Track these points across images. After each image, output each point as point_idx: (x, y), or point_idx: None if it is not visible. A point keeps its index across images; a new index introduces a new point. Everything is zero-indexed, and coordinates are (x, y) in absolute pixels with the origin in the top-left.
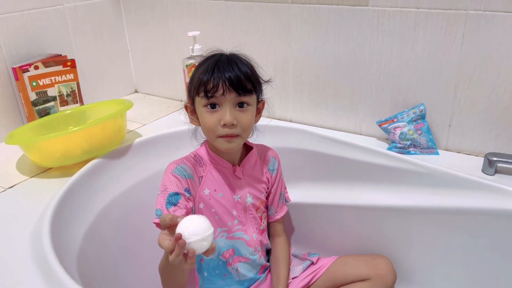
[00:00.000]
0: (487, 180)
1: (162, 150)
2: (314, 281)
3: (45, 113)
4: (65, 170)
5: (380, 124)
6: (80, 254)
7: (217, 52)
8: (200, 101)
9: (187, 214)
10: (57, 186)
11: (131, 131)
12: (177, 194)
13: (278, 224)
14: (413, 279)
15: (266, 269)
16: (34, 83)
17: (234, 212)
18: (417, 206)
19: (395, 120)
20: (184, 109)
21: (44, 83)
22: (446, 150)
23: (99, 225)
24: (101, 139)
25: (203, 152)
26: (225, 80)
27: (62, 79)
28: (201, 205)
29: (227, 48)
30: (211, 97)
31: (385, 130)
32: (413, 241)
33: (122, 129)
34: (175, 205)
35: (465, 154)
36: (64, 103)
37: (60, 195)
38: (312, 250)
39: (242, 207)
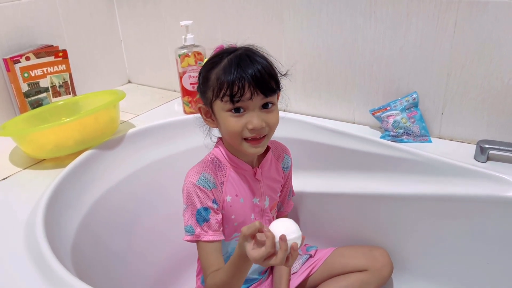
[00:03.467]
0: (479, 167)
1: (156, 141)
2: (312, 273)
3: (37, 104)
4: (58, 161)
5: (373, 112)
6: (74, 245)
7: (230, 47)
8: (222, 105)
9: (219, 228)
10: (50, 178)
11: (124, 121)
12: (206, 208)
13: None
14: (408, 268)
15: (269, 268)
16: (25, 74)
17: (252, 216)
18: (410, 193)
19: (388, 108)
20: (197, 111)
21: (36, 74)
22: (439, 137)
23: (93, 216)
24: (94, 130)
25: (220, 154)
26: (251, 81)
27: (54, 70)
28: (222, 212)
29: (221, 37)
30: (237, 101)
31: (378, 119)
32: (407, 228)
33: (115, 119)
34: (207, 221)
35: (458, 141)
36: (56, 94)
37: (53, 187)
38: (309, 241)
39: (260, 210)
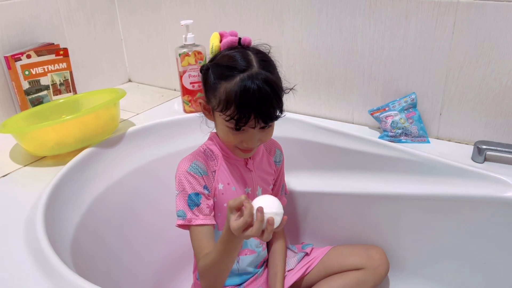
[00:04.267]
0: (477, 168)
1: (156, 139)
2: (309, 272)
3: (38, 102)
4: (58, 159)
5: (372, 113)
6: (74, 242)
7: (242, 60)
8: (224, 120)
9: (210, 212)
10: (51, 175)
11: (125, 120)
12: (197, 194)
13: None
14: (404, 266)
15: (264, 262)
16: (26, 72)
17: None
18: (408, 193)
19: (386, 109)
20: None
21: (37, 72)
22: (437, 138)
23: (93, 214)
24: (95, 128)
25: (213, 146)
26: (257, 114)
27: (55, 68)
28: (214, 199)
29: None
30: (239, 129)
31: (377, 119)
32: (404, 228)
33: (115, 118)
34: (198, 205)
35: (456, 142)
36: (57, 92)
37: (54, 184)
38: (306, 239)
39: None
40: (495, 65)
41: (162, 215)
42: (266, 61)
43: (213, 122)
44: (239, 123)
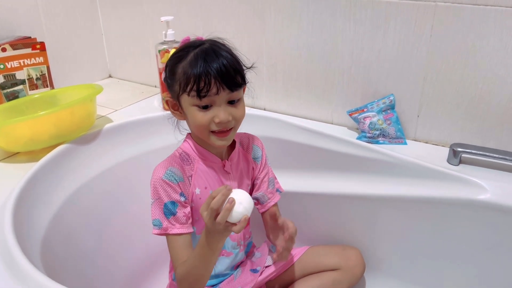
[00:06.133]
0: (452, 170)
1: (133, 137)
2: (285, 271)
3: (13, 96)
4: (32, 155)
5: (350, 113)
6: (44, 242)
7: (196, 40)
8: (189, 100)
9: (187, 220)
10: (24, 172)
11: (102, 116)
12: (173, 202)
13: (274, 210)
14: (380, 268)
15: (241, 262)
16: (1, 66)
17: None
18: (384, 195)
19: (365, 110)
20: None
21: (12, 66)
22: (414, 140)
23: (66, 213)
24: (70, 124)
25: (189, 148)
26: (217, 76)
27: (31, 62)
28: (192, 204)
29: (202, 34)
30: (204, 97)
31: (355, 120)
32: (381, 230)
33: (91, 114)
34: (174, 214)
35: (432, 144)
36: (33, 86)
37: (25, 181)
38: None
39: None
40: (471, 68)
41: (137, 215)
42: (219, 41)
43: (184, 120)
44: (201, 91)
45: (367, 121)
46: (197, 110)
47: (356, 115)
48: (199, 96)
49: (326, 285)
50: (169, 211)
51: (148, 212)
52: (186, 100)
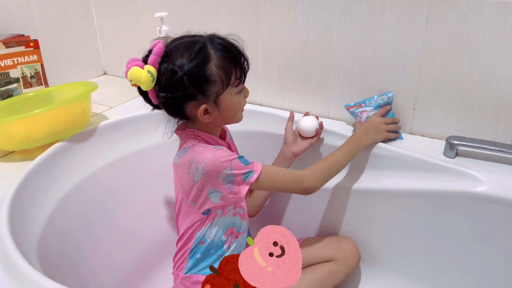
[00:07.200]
0: (448, 163)
1: (128, 134)
2: None
3: (7, 95)
4: (27, 153)
5: (348, 107)
6: (41, 241)
7: (196, 40)
8: (233, 90)
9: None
10: (19, 170)
11: (97, 114)
12: (241, 156)
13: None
14: (376, 259)
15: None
16: None
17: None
18: (380, 188)
19: (362, 105)
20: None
21: (6, 64)
22: (411, 133)
23: (62, 212)
24: (65, 122)
25: (204, 138)
26: (243, 54)
27: (25, 60)
28: None
29: (198, 29)
30: (245, 78)
31: (353, 114)
32: (377, 222)
33: (86, 112)
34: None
35: (429, 137)
36: (27, 85)
37: (21, 180)
38: None
39: None
40: (467, 60)
41: (133, 213)
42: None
43: (212, 119)
44: (245, 74)
45: (364, 115)
46: (239, 95)
47: (353, 109)
48: (244, 79)
49: (323, 277)
50: (245, 160)
51: (145, 210)
52: (229, 92)
